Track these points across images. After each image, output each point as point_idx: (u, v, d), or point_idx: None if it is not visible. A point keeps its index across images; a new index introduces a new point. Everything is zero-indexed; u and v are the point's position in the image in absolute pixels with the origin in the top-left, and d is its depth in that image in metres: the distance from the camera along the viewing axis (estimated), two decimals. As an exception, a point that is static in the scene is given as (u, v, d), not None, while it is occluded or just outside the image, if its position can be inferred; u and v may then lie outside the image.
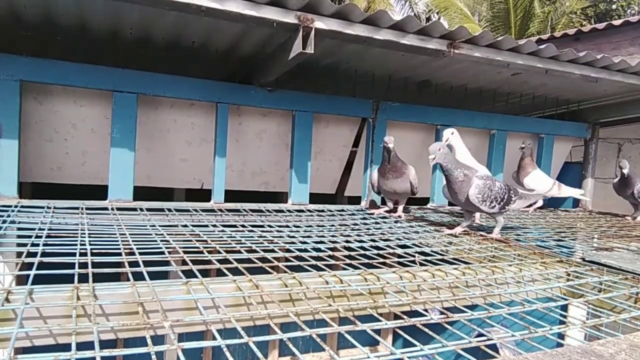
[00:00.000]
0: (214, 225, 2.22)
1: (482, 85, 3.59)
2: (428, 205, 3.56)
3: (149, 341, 0.98)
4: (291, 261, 1.67)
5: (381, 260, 1.79)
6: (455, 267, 1.77)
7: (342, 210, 2.98)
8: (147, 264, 1.47)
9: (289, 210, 2.82)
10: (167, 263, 1.55)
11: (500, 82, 3.47)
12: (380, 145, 3.36)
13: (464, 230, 2.42)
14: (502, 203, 2.26)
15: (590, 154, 4.21)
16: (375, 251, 1.90)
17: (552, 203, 4.14)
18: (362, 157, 3.48)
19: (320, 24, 2.16)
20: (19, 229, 1.87)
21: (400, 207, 2.88)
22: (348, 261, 1.76)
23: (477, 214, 2.78)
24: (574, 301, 1.55)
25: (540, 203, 3.49)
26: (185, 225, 2.16)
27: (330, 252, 1.86)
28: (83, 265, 1.39)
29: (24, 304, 1.12)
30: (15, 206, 2.28)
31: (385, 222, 2.68)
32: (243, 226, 2.26)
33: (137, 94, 2.68)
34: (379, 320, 1.21)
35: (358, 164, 3.63)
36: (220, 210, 2.70)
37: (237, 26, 2.37)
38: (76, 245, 1.61)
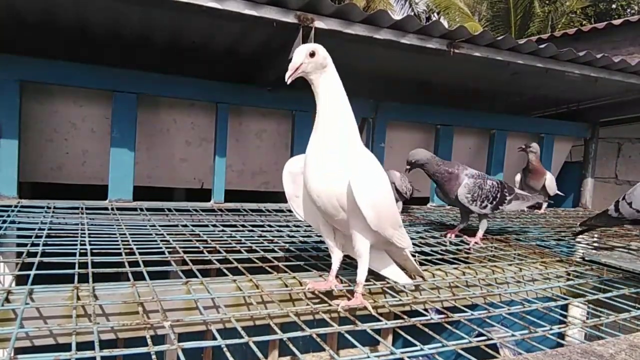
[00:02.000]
0: (214, 225, 2.22)
1: (482, 85, 3.59)
2: (428, 205, 3.56)
3: (149, 341, 0.98)
4: (291, 261, 1.68)
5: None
6: (455, 266, 1.77)
7: (342, 210, 2.98)
8: (147, 263, 1.47)
9: (289, 210, 2.82)
10: (167, 263, 1.55)
11: (500, 82, 3.47)
12: (381, 145, 3.37)
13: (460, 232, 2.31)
14: (494, 202, 2.14)
15: (590, 153, 4.21)
16: (375, 251, 1.90)
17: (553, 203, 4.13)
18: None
19: (320, 23, 2.16)
20: (19, 229, 1.87)
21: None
22: (348, 261, 1.76)
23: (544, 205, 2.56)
24: (574, 301, 1.55)
25: (546, 203, 3.49)
26: (185, 225, 2.16)
27: (330, 252, 1.86)
28: (83, 265, 1.39)
29: (24, 304, 1.12)
30: (15, 206, 2.28)
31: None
32: (243, 226, 2.26)
33: (137, 94, 2.68)
34: (379, 320, 1.21)
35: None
36: (220, 210, 2.70)
37: (237, 26, 2.37)
38: (76, 245, 1.61)
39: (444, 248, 2.06)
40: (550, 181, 3.34)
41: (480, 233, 2.21)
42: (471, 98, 3.79)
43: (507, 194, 2.20)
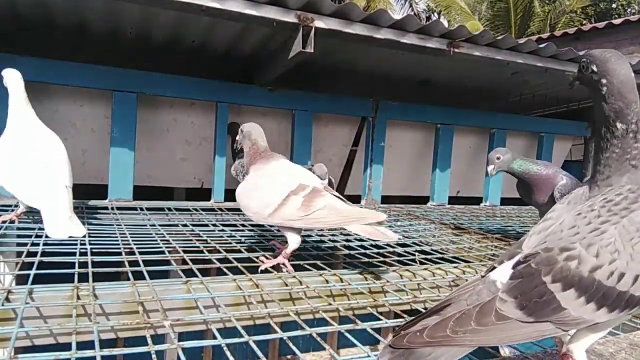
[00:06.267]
0: (214, 225, 2.22)
1: (482, 84, 3.59)
2: (428, 205, 3.56)
3: (149, 340, 0.98)
4: (291, 260, 1.67)
5: (381, 259, 1.79)
6: (455, 265, 1.77)
7: (342, 210, 2.98)
8: (147, 263, 1.47)
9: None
10: (167, 262, 1.55)
11: (500, 81, 3.47)
12: (381, 144, 3.36)
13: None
14: None
15: (590, 152, 4.21)
16: (375, 250, 1.90)
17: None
18: (362, 156, 3.48)
19: (320, 23, 2.16)
20: (18, 228, 1.87)
21: None
22: (348, 260, 1.77)
23: None
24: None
25: None
26: (186, 225, 2.16)
27: (330, 251, 1.87)
28: (83, 265, 1.39)
29: (24, 303, 1.12)
30: (16, 205, 2.28)
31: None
32: (243, 225, 2.26)
33: (137, 93, 2.68)
34: (380, 319, 1.21)
35: (358, 163, 3.62)
36: (220, 209, 2.70)
37: (237, 25, 2.37)
38: (76, 244, 1.61)
39: (444, 247, 2.06)
40: None
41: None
42: (471, 97, 3.80)
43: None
